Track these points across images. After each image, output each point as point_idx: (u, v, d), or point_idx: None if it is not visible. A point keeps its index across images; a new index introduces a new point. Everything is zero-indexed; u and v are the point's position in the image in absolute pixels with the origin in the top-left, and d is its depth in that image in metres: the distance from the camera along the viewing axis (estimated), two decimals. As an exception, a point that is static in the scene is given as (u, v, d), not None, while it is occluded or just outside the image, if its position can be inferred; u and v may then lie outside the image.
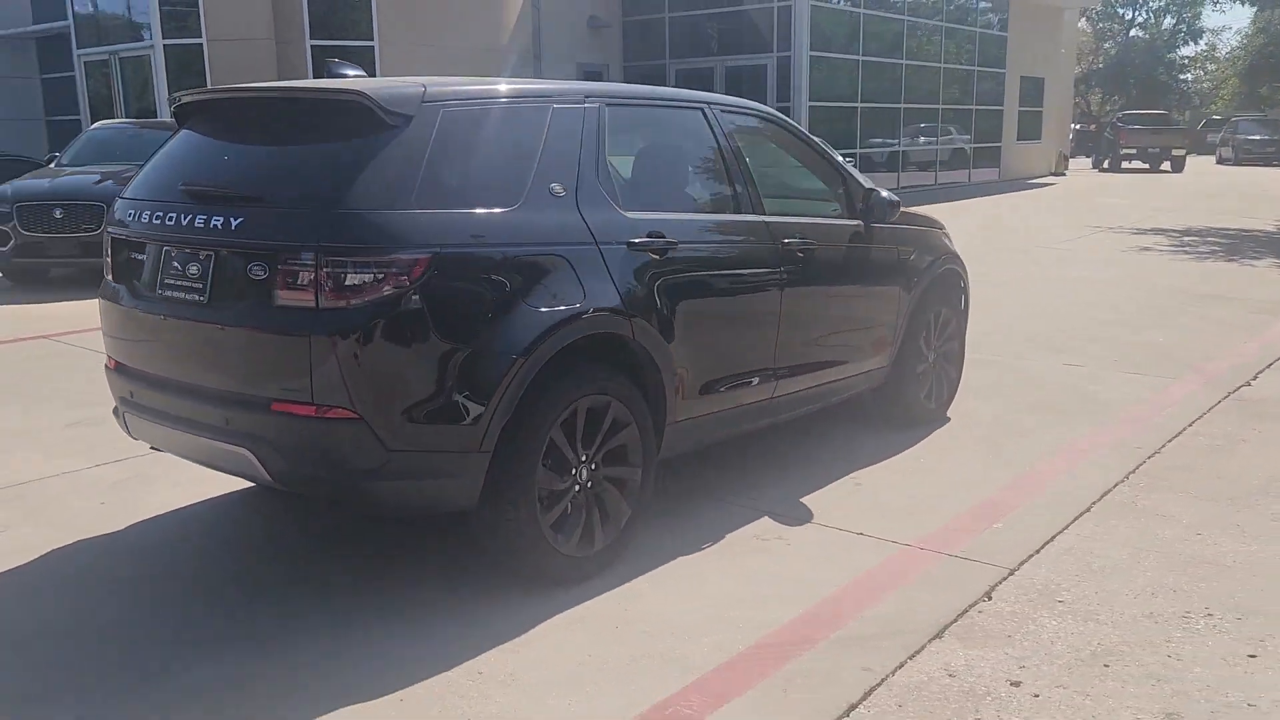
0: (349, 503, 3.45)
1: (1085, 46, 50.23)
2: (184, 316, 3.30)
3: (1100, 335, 7.62)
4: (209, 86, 16.88)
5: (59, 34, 18.97)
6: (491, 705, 2.78)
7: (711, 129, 4.26)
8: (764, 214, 4.33)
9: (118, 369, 3.66)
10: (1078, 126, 44.86)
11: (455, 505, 3.28)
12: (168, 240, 3.34)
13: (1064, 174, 29.73)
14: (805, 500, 4.30)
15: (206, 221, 3.19)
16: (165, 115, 16.86)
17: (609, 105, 3.82)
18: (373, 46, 16.84)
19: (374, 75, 17.39)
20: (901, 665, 2.97)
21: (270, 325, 3.06)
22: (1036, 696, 2.80)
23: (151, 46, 16.74)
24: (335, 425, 3.02)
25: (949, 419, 5.50)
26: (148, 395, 3.49)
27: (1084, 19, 46.49)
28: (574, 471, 3.47)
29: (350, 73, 3.92)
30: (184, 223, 3.26)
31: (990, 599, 3.39)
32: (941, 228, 5.60)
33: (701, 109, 4.29)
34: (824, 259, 4.58)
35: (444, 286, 3.11)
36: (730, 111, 4.45)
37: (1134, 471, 4.62)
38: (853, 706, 2.76)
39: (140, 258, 3.48)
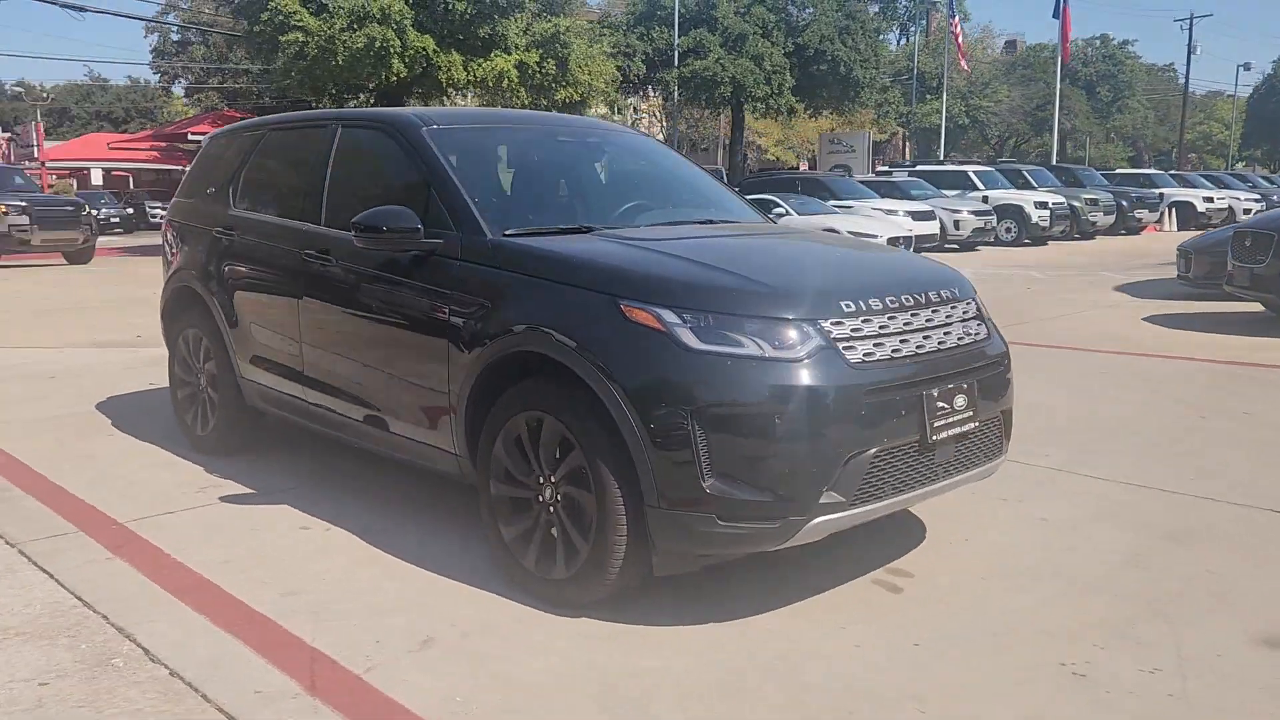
0: None
1: None
2: None
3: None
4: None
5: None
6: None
7: (324, 145, 4.41)
8: (314, 224, 4.30)
9: None
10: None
11: None
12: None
13: None
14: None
15: None
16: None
17: (272, 131, 5.05)
18: None
19: None
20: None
21: None
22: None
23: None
24: None
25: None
26: None
27: None
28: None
29: None
30: None
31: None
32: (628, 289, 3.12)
33: (328, 126, 4.50)
34: (340, 279, 4.06)
35: (173, 238, 5.52)
36: (352, 126, 4.44)
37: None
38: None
39: None
